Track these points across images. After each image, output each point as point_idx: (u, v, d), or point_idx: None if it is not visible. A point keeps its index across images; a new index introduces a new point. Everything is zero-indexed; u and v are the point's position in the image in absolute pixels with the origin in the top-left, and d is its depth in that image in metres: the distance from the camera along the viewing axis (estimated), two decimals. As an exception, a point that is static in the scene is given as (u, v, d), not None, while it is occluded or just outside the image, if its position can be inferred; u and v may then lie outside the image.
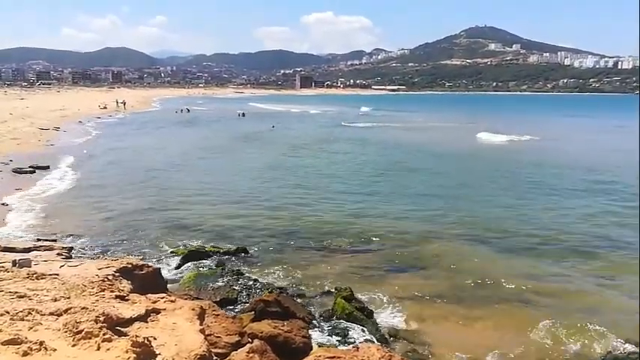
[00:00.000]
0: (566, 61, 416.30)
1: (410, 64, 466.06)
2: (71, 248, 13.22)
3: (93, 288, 6.92)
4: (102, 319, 5.34)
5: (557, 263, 13.84)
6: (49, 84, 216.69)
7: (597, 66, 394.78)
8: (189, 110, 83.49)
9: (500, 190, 23.93)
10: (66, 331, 5.07)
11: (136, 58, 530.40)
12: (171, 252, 13.82)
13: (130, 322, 5.76)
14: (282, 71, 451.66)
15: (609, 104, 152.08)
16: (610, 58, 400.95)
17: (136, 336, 5.14)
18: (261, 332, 8.23)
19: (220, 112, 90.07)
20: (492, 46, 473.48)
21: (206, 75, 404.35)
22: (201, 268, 12.43)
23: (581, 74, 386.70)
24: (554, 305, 11.08)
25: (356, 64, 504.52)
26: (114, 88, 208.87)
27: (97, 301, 6.28)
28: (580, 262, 13.99)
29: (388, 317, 10.42)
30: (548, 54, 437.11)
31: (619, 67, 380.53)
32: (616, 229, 17.14)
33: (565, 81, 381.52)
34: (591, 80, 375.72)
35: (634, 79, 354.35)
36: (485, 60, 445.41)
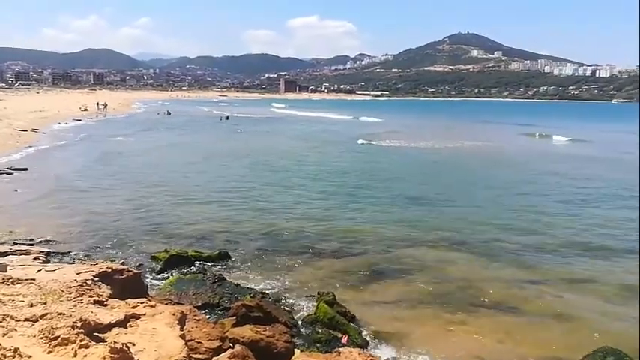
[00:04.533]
0: (546, 69, 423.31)
1: (393, 70, 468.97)
2: (49, 252, 13.01)
3: (71, 293, 6.79)
4: (79, 324, 5.24)
5: (536, 269, 14.02)
6: (29, 85, 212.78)
7: (576, 74, 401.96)
8: (170, 113, 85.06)
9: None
10: (42, 338, 4.96)
11: (119, 59, 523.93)
12: (153, 256, 13.66)
13: (108, 327, 5.67)
14: (266, 75, 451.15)
15: (567, 113, 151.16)
16: (588, 66, 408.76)
17: (115, 342, 5.05)
18: (243, 337, 8.17)
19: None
20: (474, 53, 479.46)
21: (189, 78, 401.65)
22: (182, 273, 12.30)
23: (560, 82, 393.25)
24: (534, 310, 11.24)
25: (340, 69, 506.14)
26: (95, 89, 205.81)
27: (75, 306, 6.16)
28: (558, 267, 14.21)
29: (370, 321, 10.44)
30: (528, 61, 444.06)
31: (597, 75, 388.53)
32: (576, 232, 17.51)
33: (545, 88, 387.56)
34: (570, 88, 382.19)
35: (611, 86, 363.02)
36: (468, 66, 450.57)
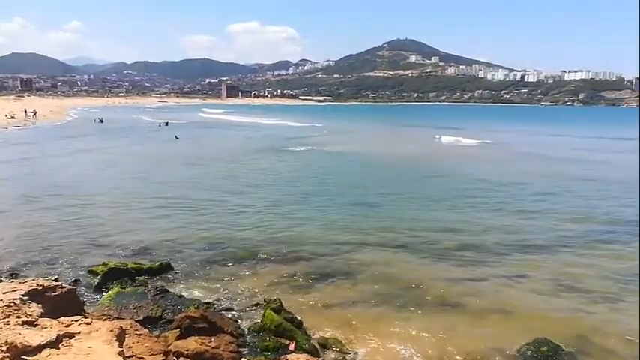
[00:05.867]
0: (480, 74, 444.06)
1: (335, 76, 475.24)
2: (-28, 272, 12.09)
3: (-4, 314, 6.32)
4: (4, 348, 4.88)
5: (476, 266, 14.56)
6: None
7: (507, 79, 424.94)
8: (102, 120, 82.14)
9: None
10: (-38, 365, 4.58)
11: (49, 64, 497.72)
12: (90, 270, 13.00)
13: (38, 349, 5.30)
14: (207, 80, 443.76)
15: (496, 116, 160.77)
16: (518, 71, 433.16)
17: (45, 364, 4.74)
18: (187, 350, 7.95)
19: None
20: (413, 59, 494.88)
21: (127, 84, 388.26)
22: (122, 286, 11.78)
23: (494, 86, 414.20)
24: (475, 306, 11.67)
25: (283, 75, 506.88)
26: (23, 96, 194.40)
27: (1, 328, 5.73)
28: (495, 264, 14.85)
29: (318, 326, 10.44)
30: (464, 66, 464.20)
31: (525, 79, 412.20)
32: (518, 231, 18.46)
33: (480, 92, 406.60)
34: (503, 92, 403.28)
35: (539, 91, 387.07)
36: (407, 72, 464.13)
